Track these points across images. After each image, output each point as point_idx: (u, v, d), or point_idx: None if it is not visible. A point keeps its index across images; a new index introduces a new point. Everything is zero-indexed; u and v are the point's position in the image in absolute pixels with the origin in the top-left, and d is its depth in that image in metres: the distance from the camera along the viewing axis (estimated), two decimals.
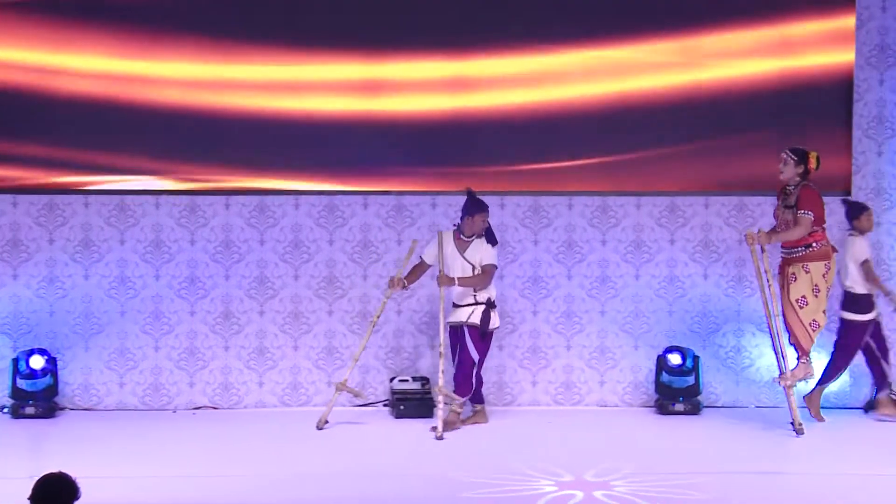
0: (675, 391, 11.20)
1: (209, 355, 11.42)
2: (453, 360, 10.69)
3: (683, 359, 11.17)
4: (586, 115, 11.32)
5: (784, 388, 10.41)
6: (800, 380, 10.53)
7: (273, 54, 11.25)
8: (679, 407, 11.13)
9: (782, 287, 10.49)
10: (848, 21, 11.30)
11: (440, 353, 10.51)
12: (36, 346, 11.16)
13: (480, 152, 11.38)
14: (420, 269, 10.81)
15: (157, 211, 11.36)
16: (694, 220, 11.50)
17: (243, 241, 11.40)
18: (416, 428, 10.56)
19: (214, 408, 11.39)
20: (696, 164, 11.38)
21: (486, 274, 10.58)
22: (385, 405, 11.30)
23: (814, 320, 10.43)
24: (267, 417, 11.09)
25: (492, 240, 10.63)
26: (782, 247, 10.55)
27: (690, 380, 11.18)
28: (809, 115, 11.29)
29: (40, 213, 11.33)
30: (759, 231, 10.46)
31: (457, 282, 10.53)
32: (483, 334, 10.61)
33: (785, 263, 10.54)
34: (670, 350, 11.25)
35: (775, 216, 10.65)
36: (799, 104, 11.29)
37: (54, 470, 5.64)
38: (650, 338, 11.49)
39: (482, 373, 10.78)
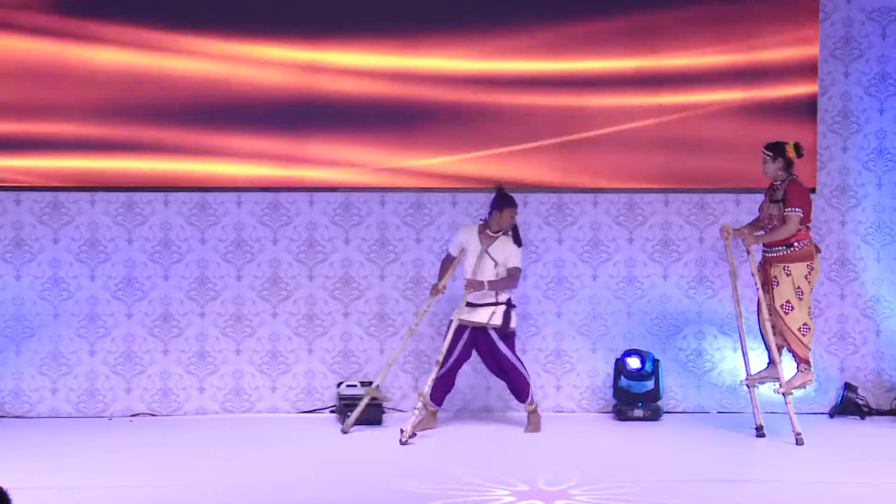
0: (634, 396, 11.06)
1: (147, 360, 11.17)
2: (455, 359, 10.48)
3: (643, 362, 11.03)
4: (539, 110, 11.13)
5: (783, 395, 10.26)
6: (796, 388, 10.38)
7: (213, 37, 10.94)
8: (638, 412, 11.01)
9: (764, 287, 10.28)
10: (812, 12, 11.08)
11: (437, 360, 10.39)
12: None
13: (428, 147, 11.12)
14: (450, 265, 10.66)
15: (93, 208, 11.08)
16: (653, 219, 11.31)
17: (183, 241, 11.14)
18: (365, 435, 10.40)
19: (152, 415, 11.15)
20: (655, 159, 11.15)
21: (513, 277, 10.48)
22: (332, 412, 11.08)
23: (804, 324, 10.25)
24: (208, 424, 10.91)
25: (518, 240, 10.52)
26: (763, 244, 10.35)
27: (650, 384, 11.06)
28: (774, 109, 11.10)
29: None
30: (743, 230, 10.31)
31: (486, 286, 10.37)
32: (505, 336, 10.49)
33: (765, 263, 10.35)
34: (629, 353, 11.10)
35: (760, 210, 10.47)
36: (763, 98, 11.10)
37: None
38: (608, 340, 11.32)
39: (457, 377, 10.69)
